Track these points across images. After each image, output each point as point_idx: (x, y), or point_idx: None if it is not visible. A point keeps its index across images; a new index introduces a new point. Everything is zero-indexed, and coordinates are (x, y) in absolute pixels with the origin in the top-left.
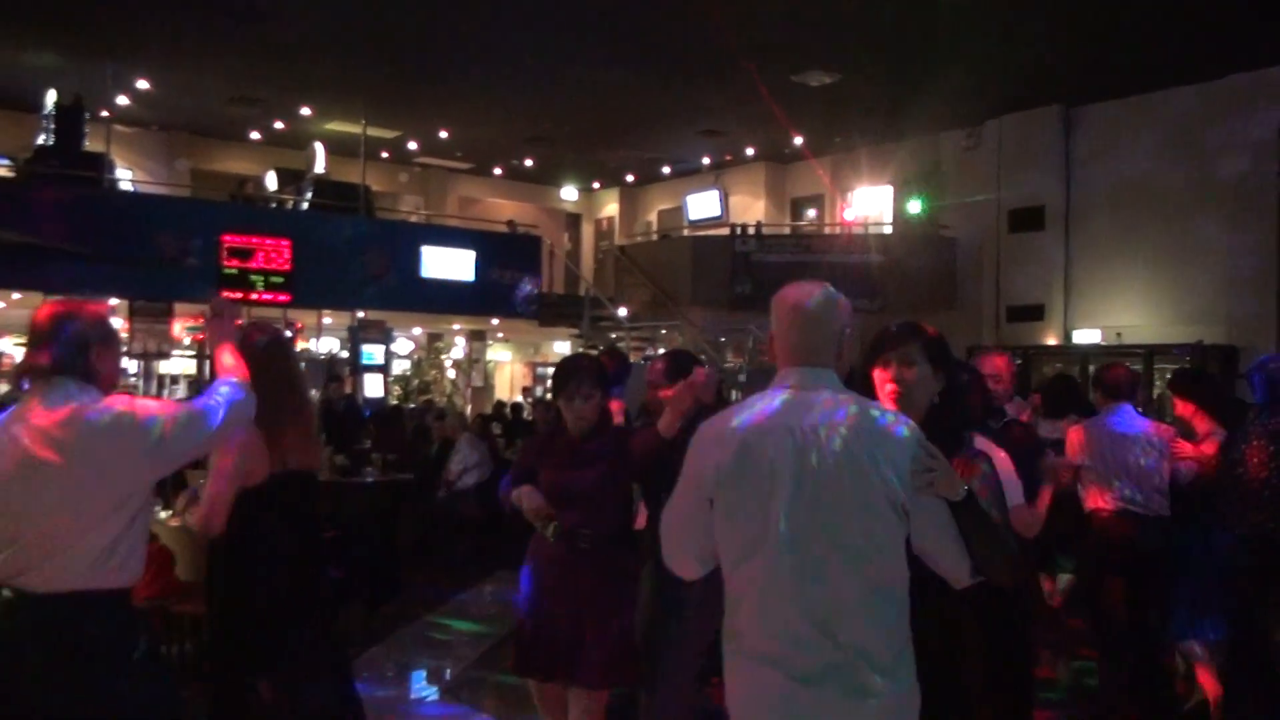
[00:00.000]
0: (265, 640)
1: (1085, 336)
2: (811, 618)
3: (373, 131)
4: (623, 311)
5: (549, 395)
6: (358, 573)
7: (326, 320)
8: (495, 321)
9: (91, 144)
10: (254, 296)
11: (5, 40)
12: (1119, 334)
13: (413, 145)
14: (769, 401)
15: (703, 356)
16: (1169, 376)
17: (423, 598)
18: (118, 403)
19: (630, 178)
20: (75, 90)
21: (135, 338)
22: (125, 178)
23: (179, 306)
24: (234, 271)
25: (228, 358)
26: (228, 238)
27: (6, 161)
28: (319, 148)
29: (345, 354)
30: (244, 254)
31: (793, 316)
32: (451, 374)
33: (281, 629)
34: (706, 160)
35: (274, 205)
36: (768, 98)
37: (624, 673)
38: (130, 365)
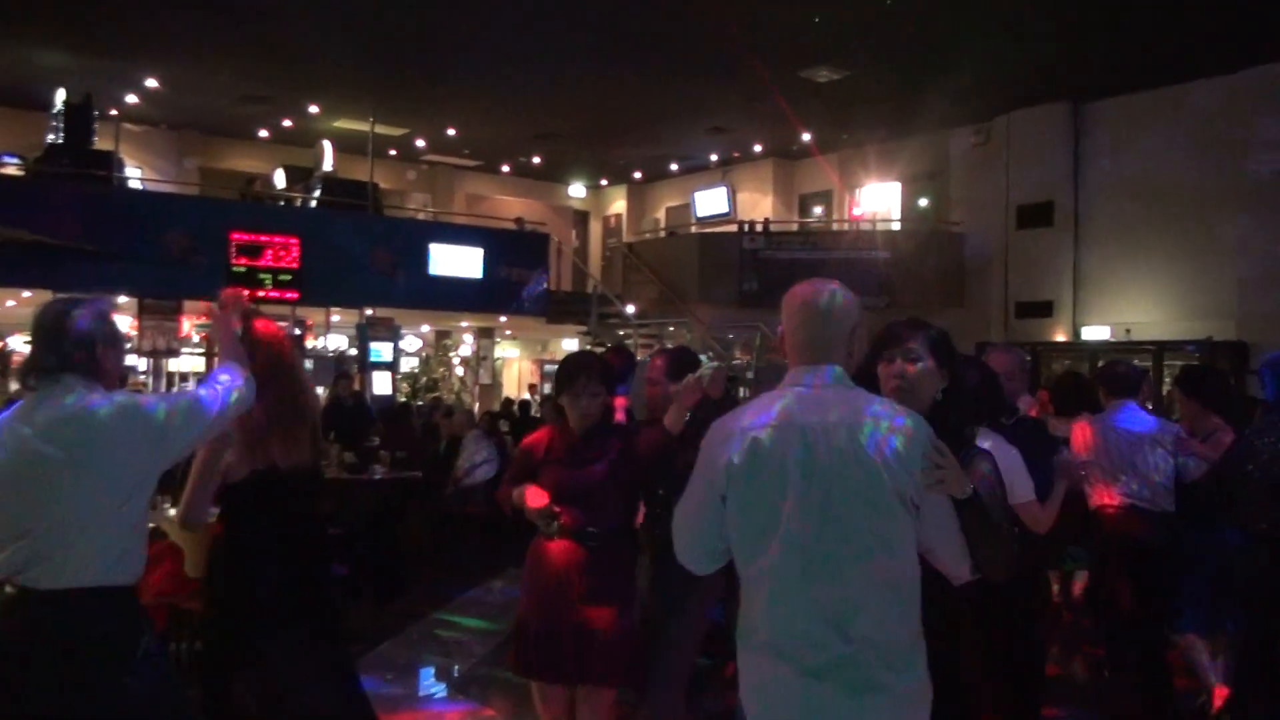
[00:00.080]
0: (254, 639)
1: (1094, 333)
2: (822, 613)
3: (380, 129)
4: (630, 309)
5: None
6: (362, 570)
7: (335, 318)
8: (503, 319)
9: (101, 142)
10: (262, 294)
11: (15, 39)
12: (1128, 330)
13: (420, 143)
14: (780, 400)
15: (709, 354)
16: (1176, 373)
17: (431, 595)
18: (120, 395)
19: (638, 175)
20: (85, 89)
21: (144, 335)
22: (134, 176)
23: (188, 304)
24: (242, 269)
25: (230, 347)
26: (236, 235)
27: (16, 160)
28: (327, 146)
29: (353, 351)
30: (252, 251)
31: (803, 314)
32: (459, 371)
33: (270, 628)
34: (714, 157)
35: (282, 203)
36: (776, 94)
37: (632, 669)
38: (139, 363)
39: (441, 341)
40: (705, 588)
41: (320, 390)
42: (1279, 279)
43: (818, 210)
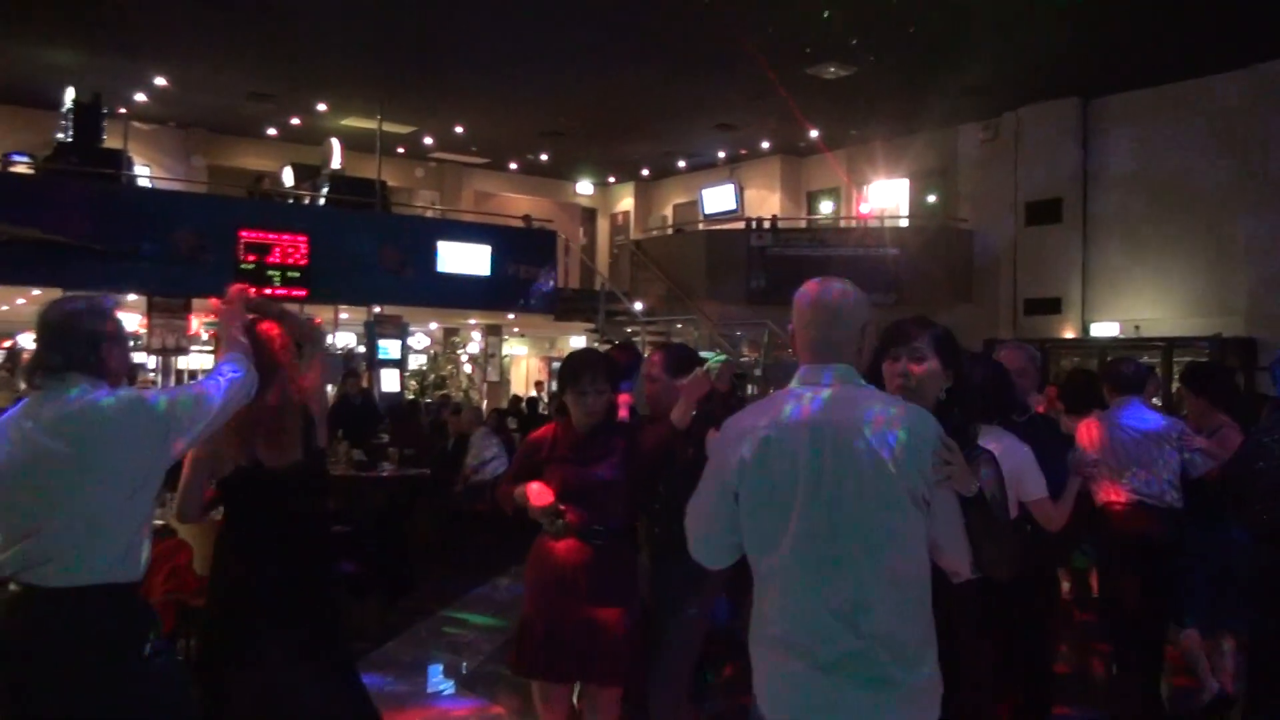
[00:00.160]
0: (254, 638)
1: (1103, 329)
2: (832, 608)
3: (388, 127)
4: (638, 306)
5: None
6: (370, 568)
7: (343, 315)
8: (511, 316)
9: (110, 141)
10: (270, 292)
11: (24, 38)
12: (1137, 327)
13: (428, 140)
14: (791, 398)
15: (716, 349)
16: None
17: (439, 592)
18: (125, 391)
19: (645, 172)
20: (93, 88)
21: (153, 333)
22: (143, 174)
23: (196, 302)
24: (251, 266)
25: (233, 339)
26: (245, 233)
27: (26, 159)
28: (335, 143)
29: (362, 349)
30: (261, 249)
31: (813, 313)
32: (467, 369)
33: (270, 627)
34: (722, 154)
35: (290, 201)
36: (783, 91)
37: (636, 669)
38: (149, 361)
39: (449, 339)
40: (705, 587)
41: (328, 388)
42: None
43: (825, 207)
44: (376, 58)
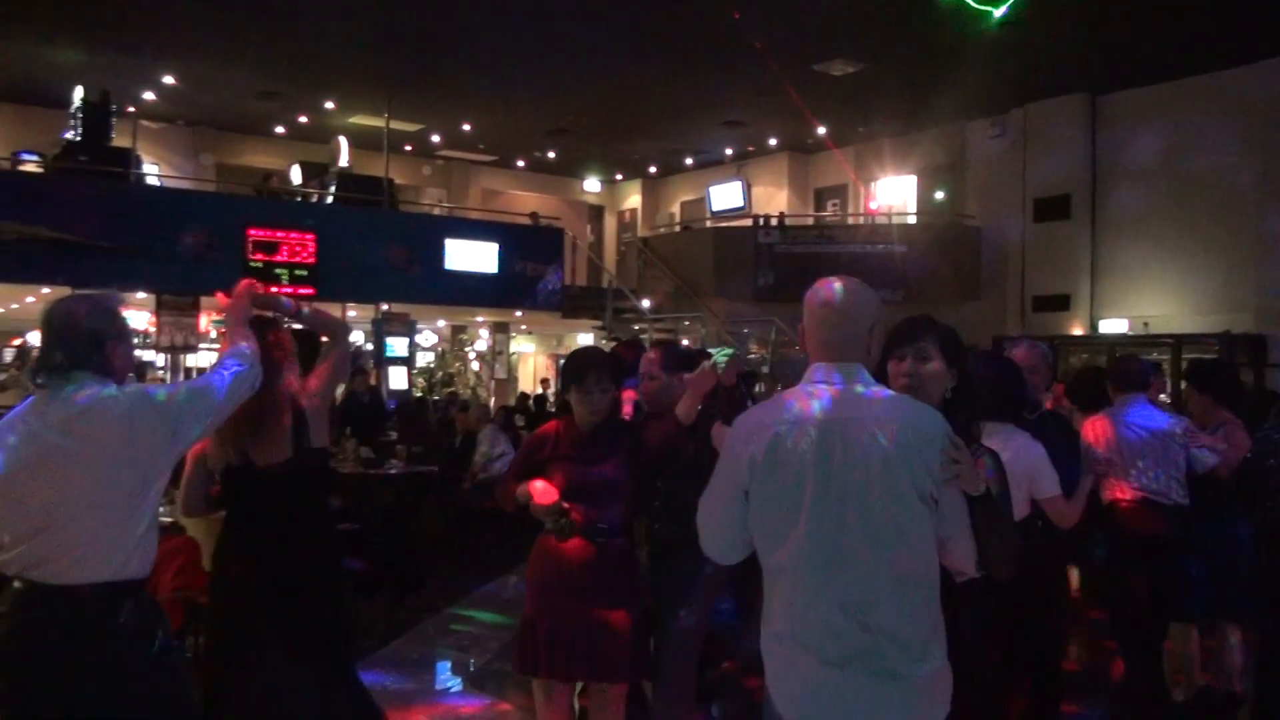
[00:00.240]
0: (254, 637)
1: (1112, 326)
2: (840, 604)
3: (396, 125)
4: (646, 303)
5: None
6: (378, 565)
7: (351, 313)
8: (519, 313)
9: (118, 140)
10: (278, 290)
11: (33, 37)
12: (1146, 323)
13: (435, 138)
14: (801, 396)
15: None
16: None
17: (447, 589)
18: (131, 388)
19: (653, 169)
20: (102, 86)
21: (162, 331)
22: (151, 173)
23: (205, 300)
24: (259, 265)
25: (236, 331)
26: (253, 231)
27: (35, 158)
28: (343, 141)
29: (370, 346)
30: (269, 247)
31: (822, 312)
32: (475, 366)
33: (270, 626)
34: (729, 151)
35: (298, 199)
36: (790, 88)
37: (641, 665)
38: (158, 359)
39: (457, 336)
40: (705, 585)
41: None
42: None
43: (833, 204)
44: (384, 56)
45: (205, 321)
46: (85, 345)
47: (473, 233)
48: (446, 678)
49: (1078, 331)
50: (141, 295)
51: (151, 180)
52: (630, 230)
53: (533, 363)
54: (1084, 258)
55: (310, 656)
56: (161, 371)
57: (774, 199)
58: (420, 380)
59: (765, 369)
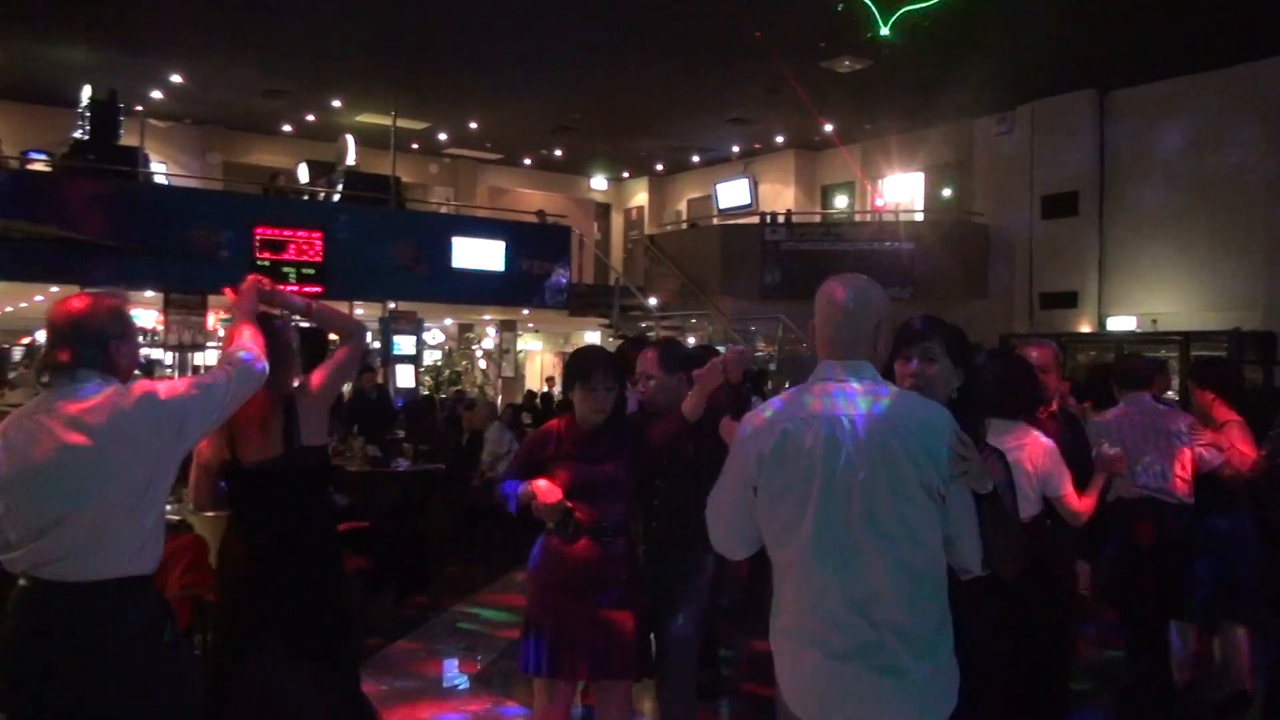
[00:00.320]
0: (254, 636)
1: (1120, 323)
2: (847, 599)
3: (402, 123)
4: (653, 301)
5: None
6: (385, 563)
7: (358, 311)
8: (525, 311)
9: (126, 138)
10: (286, 288)
11: (41, 37)
12: (1154, 320)
13: (442, 136)
14: (809, 393)
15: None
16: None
17: (454, 587)
18: (138, 386)
19: (659, 167)
20: (110, 85)
21: (170, 330)
22: (159, 171)
23: (213, 298)
24: (267, 263)
25: (244, 330)
26: (260, 230)
27: (43, 156)
28: (349, 140)
29: (377, 345)
30: (276, 246)
31: (830, 311)
32: (482, 364)
33: (270, 626)
34: (736, 148)
35: (305, 197)
36: (796, 85)
37: (645, 662)
38: (165, 357)
39: (464, 334)
40: (704, 582)
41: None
42: None
43: (840, 201)
44: (390, 54)
45: (213, 320)
46: (90, 344)
47: (479, 231)
48: (453, 676)
49: (1085, 329)
50: (149, 294)
51: (159, 179)
52: (637, 228)
53: (539, 361)
54: (1092, 255)
55: (310, 657)
56: (169, 369)
57: (780, 196)
58: (427, 378)
59: (772, 366)
